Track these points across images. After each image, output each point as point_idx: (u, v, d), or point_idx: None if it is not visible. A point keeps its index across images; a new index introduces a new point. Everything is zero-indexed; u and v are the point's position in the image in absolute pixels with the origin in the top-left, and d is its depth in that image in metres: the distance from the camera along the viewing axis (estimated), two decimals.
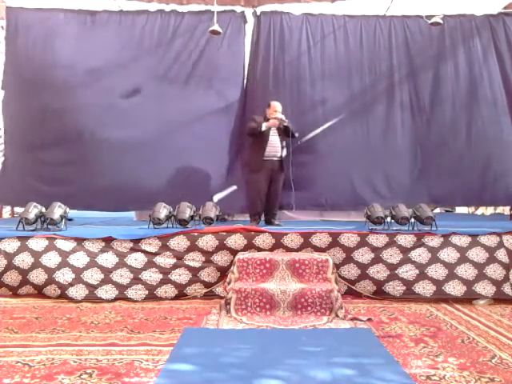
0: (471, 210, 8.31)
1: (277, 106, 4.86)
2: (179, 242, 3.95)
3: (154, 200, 4.53)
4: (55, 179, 5.53)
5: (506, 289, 3.80)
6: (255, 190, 4.87)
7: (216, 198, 5.36)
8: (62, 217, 4.21)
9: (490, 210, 8.15)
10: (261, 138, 4.79)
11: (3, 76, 5.76)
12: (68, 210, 4.32)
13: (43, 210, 4.22)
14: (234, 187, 5.53)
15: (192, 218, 4.40)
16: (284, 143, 4.86)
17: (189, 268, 3.89)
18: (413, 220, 4.23)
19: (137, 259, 3.87)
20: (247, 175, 5.20)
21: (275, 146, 4.82)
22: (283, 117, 4.80)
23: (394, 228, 4.20)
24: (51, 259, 3.76)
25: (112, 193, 5.45)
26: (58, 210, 4.19)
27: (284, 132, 4.83)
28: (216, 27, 5.13)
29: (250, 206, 4.97)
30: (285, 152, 4.88)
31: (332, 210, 5.66)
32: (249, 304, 3.33)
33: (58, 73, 5.62)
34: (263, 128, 4.73)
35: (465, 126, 5.71)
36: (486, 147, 5.65)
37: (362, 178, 5.62)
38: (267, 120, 4.83)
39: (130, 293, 3.76)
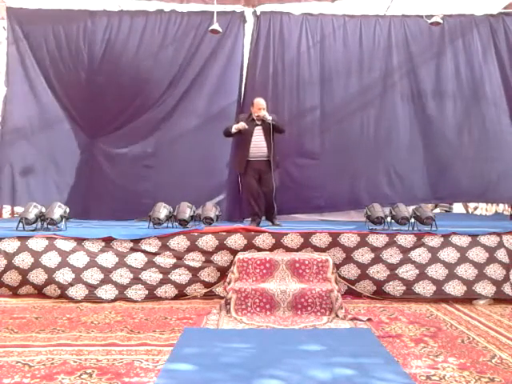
0: (471, 210, 8.30)
1: (260, 102, 4.67)
2: (179, 242, 3.95)
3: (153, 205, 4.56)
4: (56, 182, 5.55)
5: (506, 289, 3.81)
6: (246, 192, 4.86)
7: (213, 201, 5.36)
8: (62, 217, 4.21)
9: (485, 211, 8.12)
10: (244, 138, 4.70)
11: (5, 77, 5.75)
12: (68, 209, 4.32)
13: (43, 209, 4.22)
14: (223, 196, 5.51)
15: (192, 217, 4.39)
16: (271, 143, 4.63)
17: (189, 268, 3.89)
18: (413, 220, 4.23)
19: (137, 259, 3.87)
20: (238, 177, 5.22)
21: (260, 147, 4.66)
22: (267, 114, 4.64)
23: (394, 228, 4.20)
24: (51, 259, 3.76)
25: (112, 199, 5.49)
26: (57, 210, 4.19)
27: (273, 130, 4.62)
28: (216, 26, 5.13)
29: (247, 207, 4.96)
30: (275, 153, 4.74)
31: (331, 212, 5.67)
32: (249, 304, 3.33)
33: (58, 73, 5.63)
34: (233, 130, 4.66)
35: (466, 126, 5.71)
36: (486, 146, 5.65)
37: (364, 177, 5.62)
38: (252, 119, 4.72)
39: (130, 293, 3.76)
